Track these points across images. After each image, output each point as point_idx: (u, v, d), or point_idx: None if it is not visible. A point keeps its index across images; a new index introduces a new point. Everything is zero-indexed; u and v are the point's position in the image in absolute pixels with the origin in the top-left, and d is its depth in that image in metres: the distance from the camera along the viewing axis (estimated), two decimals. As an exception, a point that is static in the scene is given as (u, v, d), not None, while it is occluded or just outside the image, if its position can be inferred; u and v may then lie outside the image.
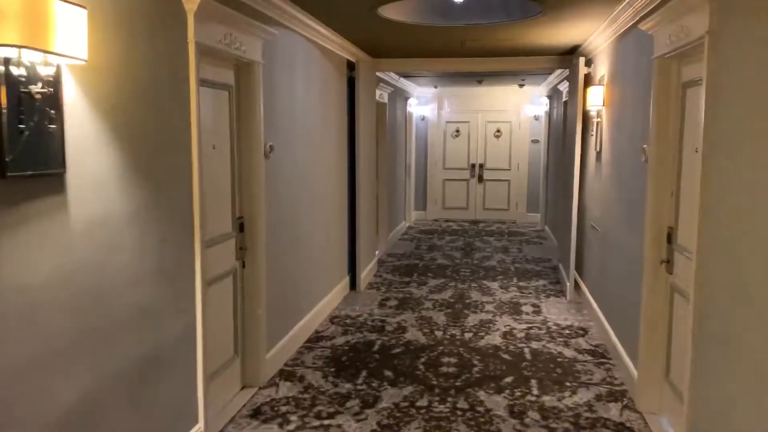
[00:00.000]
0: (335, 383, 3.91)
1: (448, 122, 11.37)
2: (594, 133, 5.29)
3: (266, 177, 3.86)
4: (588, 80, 5.65)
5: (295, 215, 4.50)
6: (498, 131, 11.22)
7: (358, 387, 3.85)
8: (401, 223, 9.89)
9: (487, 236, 9.63)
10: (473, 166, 11.35)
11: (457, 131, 11.34)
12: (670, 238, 3.30)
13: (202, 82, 3.22)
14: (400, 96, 9.41)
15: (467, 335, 4.83)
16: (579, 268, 5.94)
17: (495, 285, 6.46)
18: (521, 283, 6.54)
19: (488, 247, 8.72)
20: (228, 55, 3.36)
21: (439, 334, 4.86)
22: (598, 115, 5.16)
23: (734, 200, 2.28)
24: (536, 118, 11.02)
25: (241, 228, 3.72)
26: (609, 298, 4.62)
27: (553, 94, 9.06)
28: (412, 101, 10.52)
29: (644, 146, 3.55)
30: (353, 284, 6.19)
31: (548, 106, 9.68)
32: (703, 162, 2.53)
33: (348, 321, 5.18)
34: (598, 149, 5.16)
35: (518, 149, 11.18)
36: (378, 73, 7.37)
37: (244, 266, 3.79)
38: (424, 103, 11.28)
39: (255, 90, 3.69)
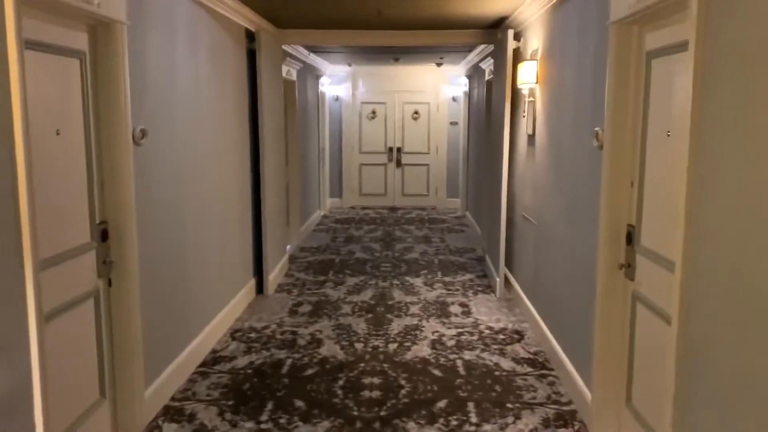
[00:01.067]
0: (234, 422, 3.18)
1: (363, 103, 10.69)
2: (525, 114, 4.78)
3: (137, 169, 3.03)
4: (517, 56, 5.13)
5: (180, 214, 3.69)
6: (416, 113, 10.67)
7: (263, 426, 3.14)
8: (316, 212, 9.16)
9: (408, 224, 9.09)
10: (391, 149, 10.76)
11: (373, 113, 10.69)
12: (630, 237, 2.80)
13: (34, 45, 2.37)
14: (311, 74, 8.62)
15: (391, 346, 4.21)
16: (508, 261, 5.46)
17: (419, 281, 5.89)
18: (447, 279, 6.01)
19: (409, 236, 8.16)
20: (76, 11, 2.51)
21: (359, 346, 4.22)
22: (531, 94, 4.64)
23: (736, 196, 1.75)
24: (455, 99, 10.55)
25: (103, 236, 2.88)
26: (548, 300, 4.14)
27: (474, 74, 8.58)
28: (324, 80, 9.75)
29: (597, 129, 3.02)
30: (260, 288, 5.43)
31: (468, 87, 9.20)
32: (691, 148, 2.00)
33: (252, 335, 4.43)
34: (530, 132, 4.65)
35: (437, 132, 10.68)
36: (285, 47, 6.57)
37: (110, 284, 2.96)
38: (337, 82, 10.53)
39: (117, 58, 2.85)
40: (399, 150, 10.74)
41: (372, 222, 9.26)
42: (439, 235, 8.29)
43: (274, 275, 5.60)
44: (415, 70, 10.44)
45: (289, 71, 6.95)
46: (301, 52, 7.64)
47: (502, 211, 5.25)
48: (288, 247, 7.14)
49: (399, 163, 10.77)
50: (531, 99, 4.64)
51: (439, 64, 9.90)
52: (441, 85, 10.54)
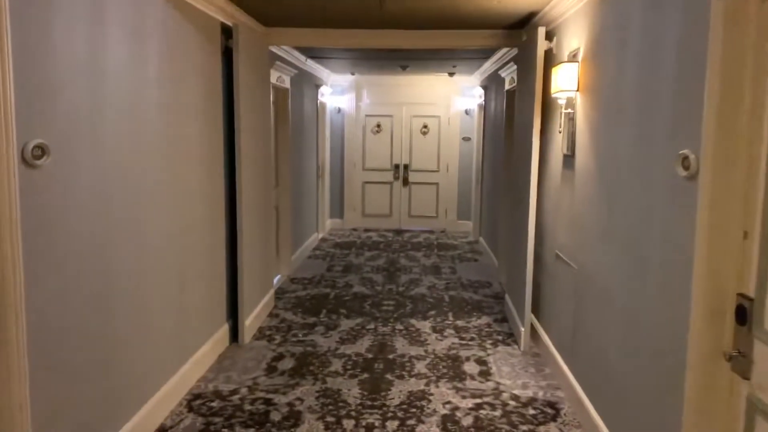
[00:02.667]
0: None
1: (367, 116, 9.82)
2: (561, 129, 3.86)
3: (32, 198, 2.14)
4: (549, 59, 4.24)
5: (106, 254, 2.79)
6: (425, 127, 9.78)
7: None
8: (312, 235, 8.25)
9: (414, 250, 8.16)
10: (397, 167, 9.86)
11: (378, 126, 9.81)
12: (743, 315, 1.87)
13: None
14: (308, 82, 7.75)
15: (390, 426, 3.27)
16: (535, 306, 4.52)
17: (426, 326, 4.95)
18: (459, 322, 5.06)
19: (415, 266, 7.23)
20: None
21: (349, 425, 3.28)
22: (569, 104, 3.73)
23: None
24: (467, 112, 9.66)
25: (-31, 299, 1.99)
26: (592, 368, 3.20)
27: (491, 83, 7.69)
28: (325, 90, 8.89)
29: (685, 153, 2.10)
30: (235, 335, 4.51)
31: (483, 98, 8.31)
32: None
33: (215, 404, 3.50)
34: (568, 152, 3.73)
35: (448, 148, 9.78)
36: (273, 49, 5.70)
37: (-17, 367, 2.06)
38: (339, 92, 9.67)
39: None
40: (406, 167, 9.84)
41: (375, 247, 8.34)
42: (449, 264, 7.36)
43: (252, 318, 4.68)
44: (425, 80, 9.57)
45: (281, 78, 6.09)
46: (297, 57, 6.78)
47: (529, 246, 4.31)
48: (277, 278, 6.24)
49: (406, 182, 9.86)
50: (569, 111, 3.73)
51: (451, 74, 9.03)
52: (453, 97, 9.66)
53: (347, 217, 9.91)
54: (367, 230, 9.72)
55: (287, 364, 4.11)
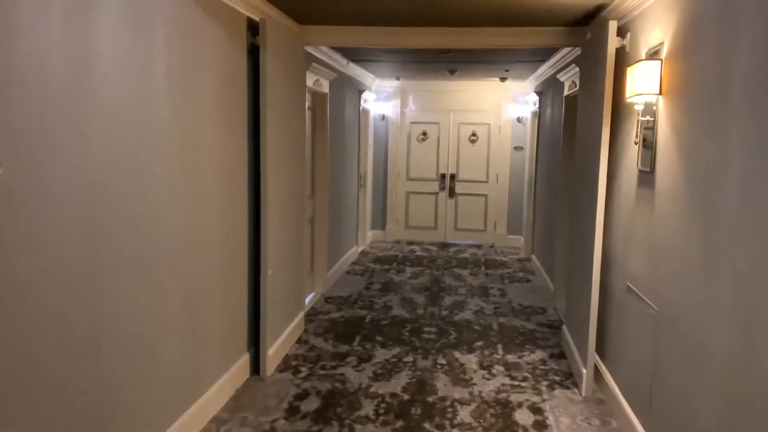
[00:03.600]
0: None
1: (413, 123, 9.31)
2: (638, 140, 3.25)
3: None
4: (621, 58, 3.63)
5: (94, 278, 2.35)
6: (473, 135, 9.20)
7: None
8: (352, 248, 7.78)
9: (460, 267, 7.58)
10: (443, 176, 9.30)
11: (424, 134, 9.28)
12: None
13: None
14: (350, 86, 7.30)
15: (427, 493, 2.73)
16: (600, 344, 3.90)
17: (472, 361, 4.39)
18: (510, 357, 4.48)
19: (461, 285, 6.65)
20: None
21: (377, 490, 2.76)
22: (648, 111, 3.12)
23: None
24: (520, 120, 9.03)
25: None
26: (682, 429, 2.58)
27: (547, 89, 7.07)
28: (368, 95, 8.43)
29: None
30: (256, 366, 4.05)
31: (537, 105, 7.68)
32: None
33: (225, 454, 3.04)
34: (646, 168, 3.12)
35: (498, 157, 9.17)
36: (311, 50, 5.26)
37: None
38: (384, 98, 9.20)
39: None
40: (453, 177, 9.28)
41: (418, 263, 7.80)
42: (498, 284, 6.75)
43: (277, 346, 4.21)
44: (474, 85, 8.99)
45: (319, 81, 5.64)
46: (337, 60, 6.34)
47: (595, 276, 3.70)
48: (310, 296, 5.78)
49: (452, 193, 9.30)
50: (649, 119, 3.12)
51: (503, 79, 8.43)
52: (504, 104, 9.05)
53: (389, 228, 9.41)
54: (410, 243, 9.19)
55: (312, 404, 3.62)
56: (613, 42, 3.62)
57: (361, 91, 7.84)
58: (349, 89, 7.23)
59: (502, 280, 6.97)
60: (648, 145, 3.12)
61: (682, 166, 2.67)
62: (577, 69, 4.93)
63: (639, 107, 3.19)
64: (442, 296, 6.18)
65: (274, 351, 4.13)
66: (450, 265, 7.73)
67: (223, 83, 3.46)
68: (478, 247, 9.06)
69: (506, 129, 9.11)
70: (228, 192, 3.59)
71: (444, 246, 9.07)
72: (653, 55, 3.09)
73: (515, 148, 9.11)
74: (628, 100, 3.25)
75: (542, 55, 6.16)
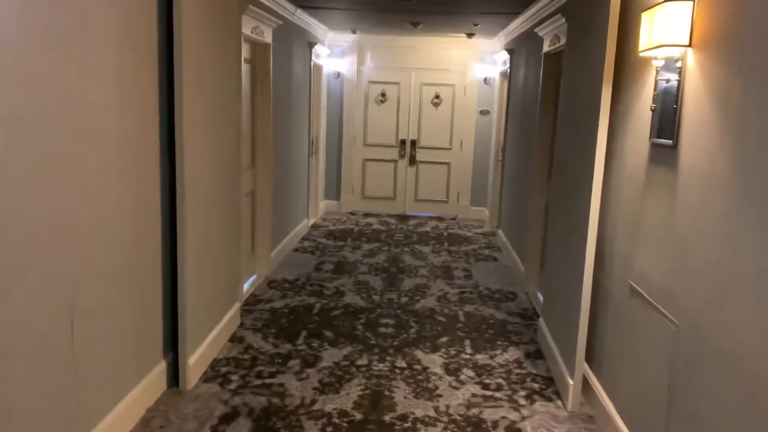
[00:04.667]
0: None
1: (371, 82, 8.48)
2: (655, 106, 2.57)
3: None
4: (626, 3, 2.93)
5: None
6: (437, 97, 8.45)
7: None
8: (301, 222, 7.01)
9: (421, 243, 6.92)
10: (403, 142, 8.56)
11: (383, 95, 8.48)
12: None
13: None
14: (299, 38, 6.42)
15: None
16: (590, 352, 3.29)
17: (437, 363, 3.74)
18: (480, 357, 3.85)
19: (422, 265, 5.99)
20: None
21: None
22: (670, 67, 2.43)
23: None
24: (487, 81, 8.32)
25: None
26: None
27: (520, 46, 6.35)
28: (321, 50, 7.55)
29: None
30: (176, 374, 3.30)
31: (508, 64, 6.96)
32: None
33: None
34: (666, 140, 2.45)
35: (462, 122, 8.46)
36: (248, -11, 4.38)
37: None
38: (339, 54, 8.33)
39: None
40: (413, 143, 8.54)
41: (375, 238, 7.10)
42: (463, 263, 6.12)
43: (202, 351, 3.46)
44: (439, 42, 8.20)
45: (259, 29, 4.77)
46: (283, 5, 5.45)
47: (587, 272, 3.06)
48: (251, 280, 5.03)
49: (413, 160, 8.57)
50: (671, 78, 2.43)
51: (470, 35, 7.67)
52: (470, 63, 8.30)
53: (344, 199, 8.65)
54: (366, 215, 8.48)
55: (242, 427, 2.90)
56: (618, -19, 2.91)
57: (312, 44, 6.96)
58: (297, 41, 6.35)
59: (467, 258, 6.34)
60: (667, 111, 2.45)
61: (726, 140, 2.00)
62: (563, 21, 4.22)
63: (658, 63, 2.50)
64: (402, 279, 5.51)
65: (198, 357, 3.38)
66: (410, 240, 7.06)
67: (119, 21, 2.60)
68: (440, 219, 8.41)
69: (472, 91, 8.38)
70: (130, 166, 2.77)
71: (403, 218, 8.38)
72: (679, -6, 2.38)
73: (481, 112, 8.41)
74: (643, 55, 2.56)
75: (517, 5, 5.42)
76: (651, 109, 2.58)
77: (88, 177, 2.44)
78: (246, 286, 4.91)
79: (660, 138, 2.51)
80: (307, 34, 6.84)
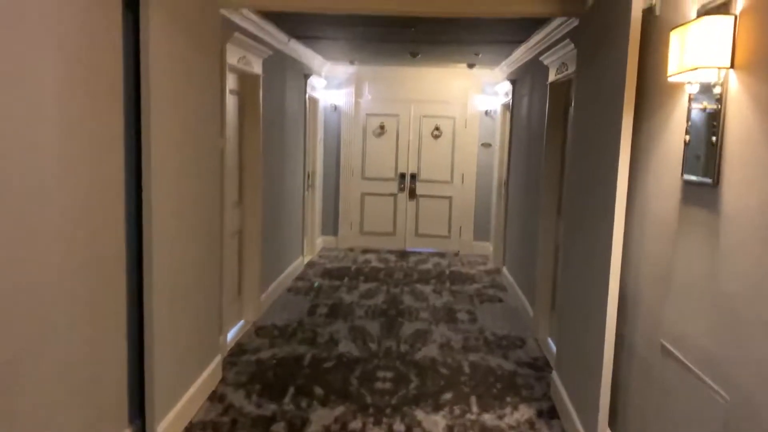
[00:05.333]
0: None
1: (369, 115, 8.20)
2: (689, 136, 2.23)
3: None
4: (647, 25, 2.62)
5: None
6: (437, 129, 8.16)
7: None
8: (296, 260, 6.65)
9: (422, 282, 6.53)
10: (402, 176, 8.24)
11: (382, 127, 8.19)
12: None
13: None
14: (292, 70, 6.15)
15: None
16: (612, 416, 2.88)
17: (440, 425, 3.33)
18: (487, 418, 3.44)
19: (423, 307, 5.60)
20: None
21: None
22: (707, 92, 2.10)
23: None
24: (488, 113, 8.04)
25: None
26: None
27: (523, 76, 6.07)
28: (317, 82, 7.29)
29: None
30: (141, 447, 2.90)
31: (510, 95, 6.68)
32: None
33: None
34: (705, 178, 2.10)
35: (463, 155, 8.15)
36: (235, 18, 4.12)
37: None
38: (336, 86, 8.07)
39: None
40: (413, 177, 8.22)
41: (373, 276, 6.72)
42: (466, 305, 5.73)
43: (174, 417, 3.06)
44: (438, 72, 7.95)
45: (246, 59, 4.48)
46: (274, 35, 5.19)
47: (609, 330, 2.69)
48: (237, 326, 4.65)
49: (413, 194, 8.24)
50: (709, 106, 2.09)
51: (471, 65, 7.41)
52: (471, 94, 8.04)
53: (342, 234, 8.30)
54: (365, 251, 8.11)
55: None
56: (638, 2, 2.60)
57: (307, 76, 6.69)
58: (291, 72, 6.08)
59: (470, 299, 5.95)
60: (704, 144, 2.11)
61: (786, 179, 1.65)
62: (571, 47, 3.92)
63: (692, 89, 2.17)
64: (401, 323, 5.11)
65: (169, 422, 2.99)
66: (410, 279, 6.67)
67: (77, 49, 2.29)
68: (442, 255, 8.04)
69: (473, 123, 8.10)
70: (91, 205, 2.43)
71: (403, 255, 8.01)
72: (717, 9, 2.06)
73: (483, 144, 8.11)
74: (673, 80, 2.23)
75: (520, 33, 5.15)
76: (684, 142, 2.24)
77: (36, 222, 2.09)
78: (231, 334, 4.53)
79: (695, 175, 2.16)
80: (302, 66, 6.58)
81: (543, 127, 4.84)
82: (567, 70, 4.13)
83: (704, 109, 2.11)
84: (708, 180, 2.07)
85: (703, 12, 2.13)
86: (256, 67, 4.71)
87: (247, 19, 4.41)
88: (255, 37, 4.66)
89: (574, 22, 3.87)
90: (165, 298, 2.92)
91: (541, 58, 4.81)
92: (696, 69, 2.02)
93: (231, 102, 4.51)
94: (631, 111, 2.63)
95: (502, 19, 4.60)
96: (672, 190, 2.37)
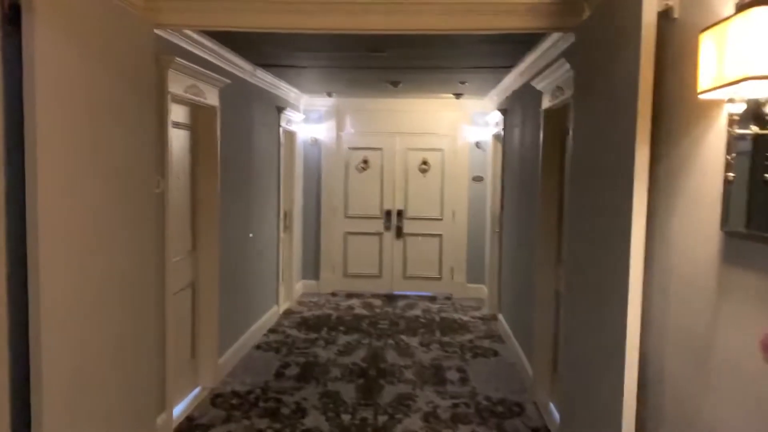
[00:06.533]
0: None
1: (351, 149, 7.67)
2: (732, 174, 1.65)
3: None
4: (663, 31, 2.07)
5: None
6: (424, 163, 7.62)
7: None
8: (269, 310, 6.02)
9: (408, 333, 5.89)
10: (388, 213, 7.66)
11: (365, 162, 7.65)
12: None
13: None
14: (261, 101, 5.63)
15: None
16: None
17: None
18: None
19: (408, 365, 4.96)
20: None
21: None
22: (755, 114, 1.53)
23: None
24: (479, 145, 7.51)
25: None
26: None
27: (514, 105, 5.55)
28: (293, 115, 6.76)
29: None
30: None
31: (501, 126, 6.15)
32: None
33: None
34: (755, 230, 1.50)
35: (453, 190, 7.59)
36: (182, 42, 3.60)
37: None
38: (316, 119, 7.55)
39: None
40: (400, 214, 7.65)
41: (355, 326, 6.08)
42: (457, 361, 5.09)
43: None
44: (424, 104, 7.45)
45: (196, 88, 3.93)
46: (235, 62, 4.67)
47: (626, 422, 2.08)
48: (192, 394, 4.01)
49: (400, 233, 7.65)
50: (763, 131, 1.52)
51: (458, 95, 6.91)
52: (460, 126, 7.52)
53: (324, 278, 7.67)
54: (349, 295, 7.48)
55: None
56: (651, 5, 2.05)
57: (281, 108, 6.17)
58: (261, 105, 5.55)
59: (462, 353, 5.31)
60: (756, 185, 1.53)
61: None
62: (566, 68, 3.39)
63: (735, 108, 1.60)
64: (381, 386, 4.46)
65: None
66: (396, 329, 6.03)
67: None
68: (432, 299, 7.41)
69: (463, 156, 7.56)
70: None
71: (391, 299, 7.38)
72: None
73: (474, 178, 7.56)
74: (706, 97, 1.66)
75: (509, 58, 4.64)
76: (725, 181, 1.65)
77: None
78: (182, 406, 3.90)
79: (742, 226, 1.58)
80: (275, 98, 6.06)
81: (537, 159, 4.28)
82: (563, 95, 3.59)
83: (755, 138, 1.54)
84: (763, 234, 1.48)
85: (747, 4, 1.57)
86: (211, 98, 4.17)
87: (197, 44, 3.89)
88: (208, 64, 4.13)
89: (569, 39, 3.34)
90: (61, 392, 2.29)
91: (533, 83, 4.27)
92: (742, 81, 1.45)
93: (180, 137, 3.96)
94: (647, 141, 2.06)
95: (486, 42, 4.10)
96: (707, 245, 1.79)
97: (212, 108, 4.23)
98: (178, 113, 3.87)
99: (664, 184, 2.10)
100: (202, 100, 4.01)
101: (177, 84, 3.59)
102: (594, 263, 2.55)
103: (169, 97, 3.47)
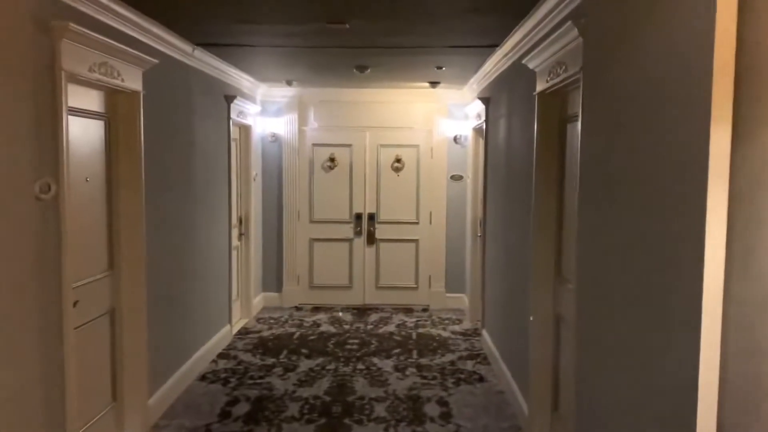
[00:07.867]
0: None
1: (316, 145, 6.89)
2: None
3: None
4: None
5: None
6: (398, 161, 6.88)
7: None
8: (220, 330, 5.23)
9: (381, 355, 5.15)
10: (359, 217, 6.91)
11: (332, 160, 6.88)
12: None
13: None
14: (207, 89, 4.84)
15: None
16: None
17: None
18: None
19: (381, 396, 4.22)
20: None
21: None
22: None
23: None
24: (457, 140, 6.80)
25: None
26: None
27: (499, 91, 4.84)
28: (248, 107, 5.97)
29: None
30: None
31: (483, 118, 5.44)
32: None
33: None
34: None
35: (430, 190, 6.87)
36: (79, 3, 2.80)
37: None
38: (274, 112, 6.77)
39: None
40: (372, 218, 6.90)
41: (319, 349, 5.31)
42: (438, 390, 4.36)
43: None
44: (397, 95, 6.72)
45: (111, 68, 3.13)
46: (167, 39, 3.87)
47: None
48: (102, 456, 3.20)
49: (372, 239, 6.91)
50: None
51: (434, 84, 6.19)
52: (437, 119, 6.81)
53: (287, 290, 6.89)
54: (315, 309, 6.71)
55: None
56: None
57: (230, 98, 5.37)
58: (202, 93, 4.76)
59: (442, 379, 4.58)
60: None
61: None
62: (571, 36, 2.68)
63: None
64: (348, 427, 3.72)
65: None
66: (367, 350, 5.29)
67: None
68: (408, 311, 6.68)
69: (440, 152, 6.84)
70: None
71: (362, 312, 6.64)
72: None
73: (453, 177, 6.85)
74: None
75: (494, 34, 3.92)
76: None
77: None
78: (94, 466, 3.09)
79: None
80: (223, 85, 5.26)
81: (530, 154, 3.57)
82: (564, 71, 2.88)
83: None
84: None
85: None
86: (131, 81, 3.37)
87: (108, 11, 3.09)
88: (126, 38, 3.33)
89: (574, 2, 2.64)
90: None
91: (525, 61, 3.56)
92: None
93: (88, 129, 3.16)
94: (728, 126, 1.36)
95: (471, 12, 3.37)
96: None
97: (134, 93, 3.43)
98: (83, 98, 3.08)
99: (748, 182, 1.39)
100: (118, 83, 3.22)
101: (78, 60, 2.80)
102: (631, 289, 1.84)
103: (63, 75, 2.68)
